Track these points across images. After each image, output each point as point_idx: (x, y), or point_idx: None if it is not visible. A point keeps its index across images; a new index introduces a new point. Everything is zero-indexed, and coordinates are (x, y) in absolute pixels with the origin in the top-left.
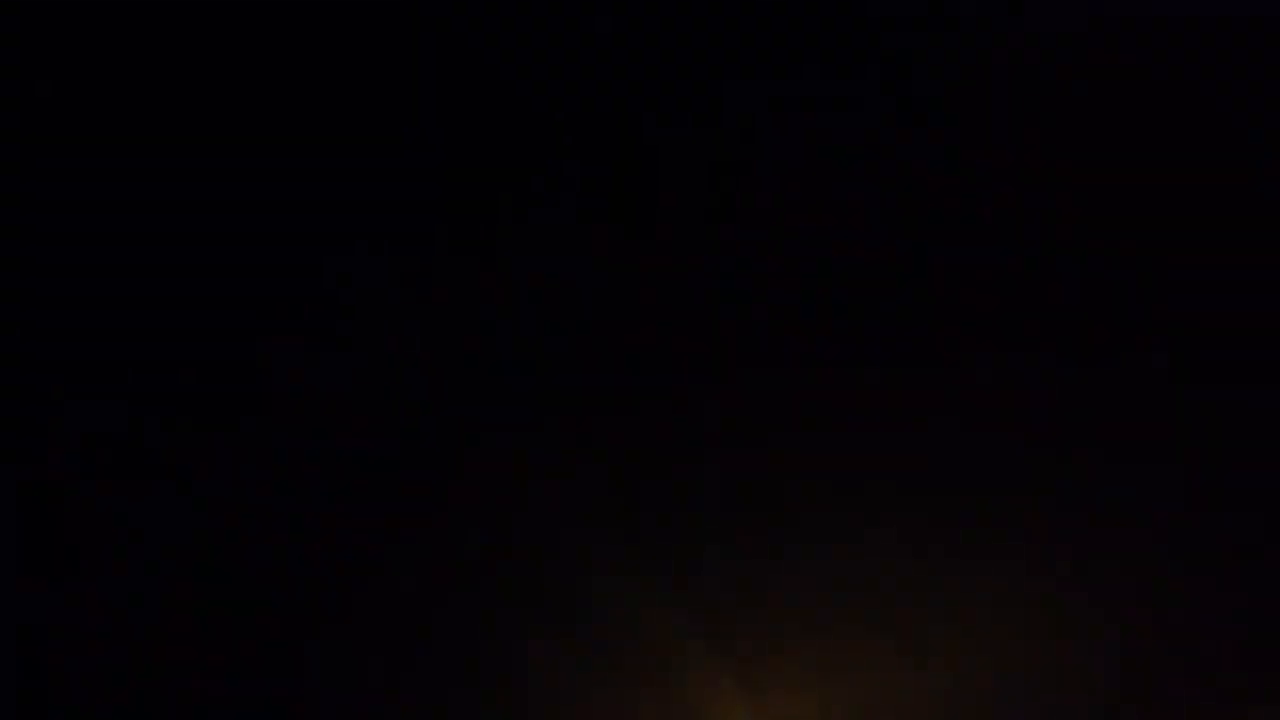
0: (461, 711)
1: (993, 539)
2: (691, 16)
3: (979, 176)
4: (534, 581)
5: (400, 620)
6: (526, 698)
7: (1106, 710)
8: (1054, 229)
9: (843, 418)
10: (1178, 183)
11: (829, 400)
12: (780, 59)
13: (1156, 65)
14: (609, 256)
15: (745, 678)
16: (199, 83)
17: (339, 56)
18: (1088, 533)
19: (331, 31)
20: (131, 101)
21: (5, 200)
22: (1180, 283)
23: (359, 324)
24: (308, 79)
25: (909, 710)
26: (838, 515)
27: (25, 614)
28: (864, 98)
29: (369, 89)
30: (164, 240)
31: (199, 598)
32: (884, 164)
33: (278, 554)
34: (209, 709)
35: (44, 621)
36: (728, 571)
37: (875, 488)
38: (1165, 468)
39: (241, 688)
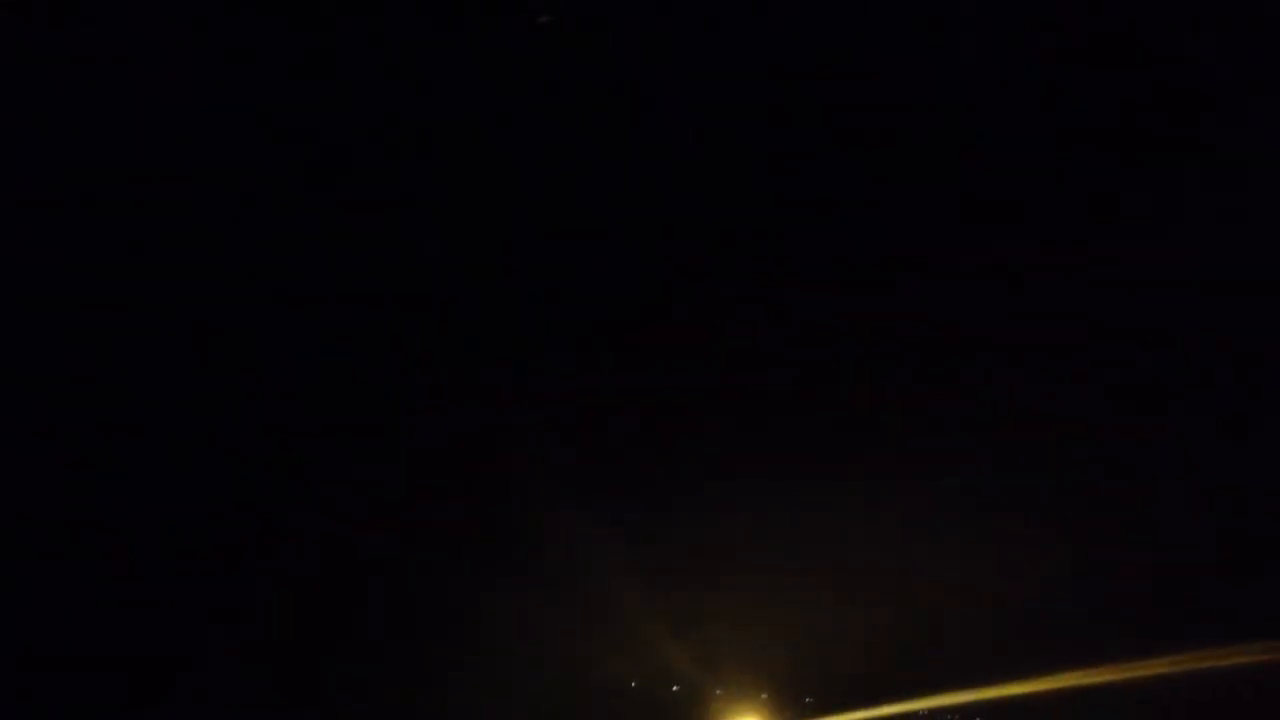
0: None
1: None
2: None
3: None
4: (500, 532)
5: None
6: (492, 636)
7: (1038, 639)
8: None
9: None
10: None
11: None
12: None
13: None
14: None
15: (689, 616)
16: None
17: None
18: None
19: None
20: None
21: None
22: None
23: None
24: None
25: (843, 645)
26: (776, 473)
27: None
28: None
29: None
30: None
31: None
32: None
33: (290, 522)
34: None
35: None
36: (677, 524)
37: (822, 444)
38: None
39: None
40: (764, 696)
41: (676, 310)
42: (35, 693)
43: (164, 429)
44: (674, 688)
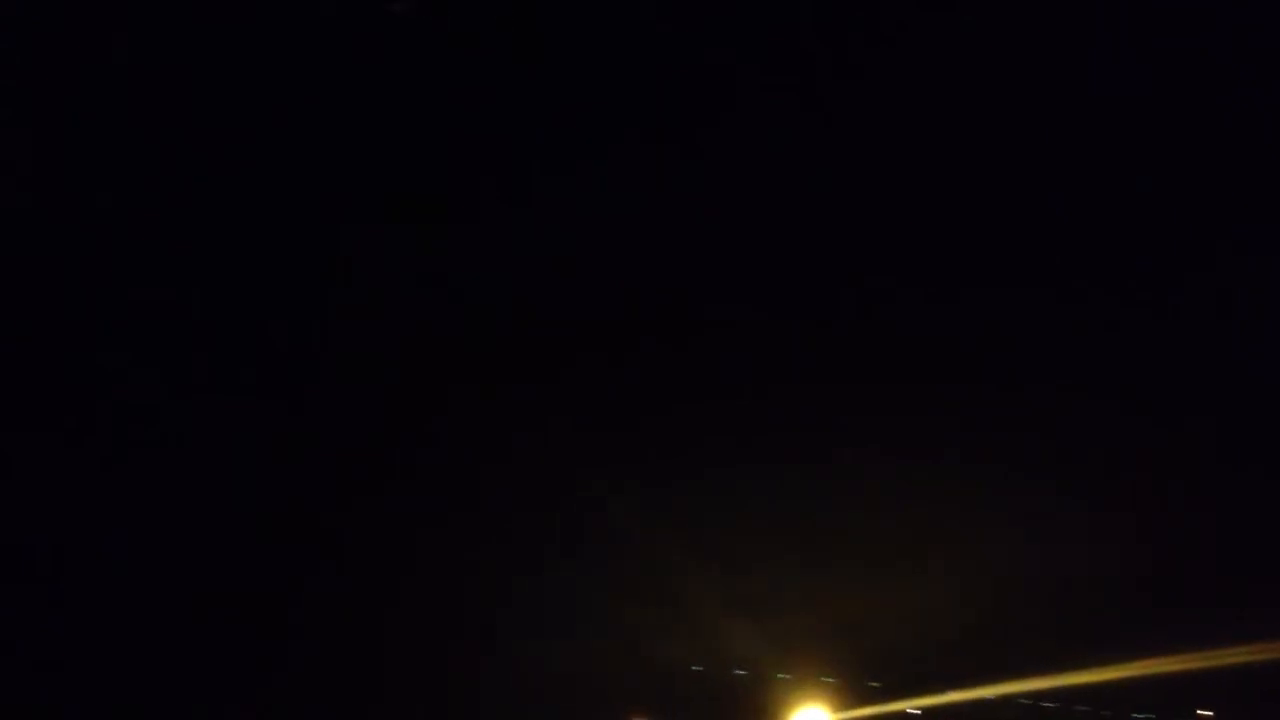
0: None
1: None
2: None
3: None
4: (547, 505)
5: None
6: (556, 618)
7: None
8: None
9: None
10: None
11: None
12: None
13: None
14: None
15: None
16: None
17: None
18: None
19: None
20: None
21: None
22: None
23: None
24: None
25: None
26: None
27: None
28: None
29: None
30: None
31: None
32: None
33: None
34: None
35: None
36: (726, 497)
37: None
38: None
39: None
40: (828, 681)
41: (732, 292)
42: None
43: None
44: (737, 671)
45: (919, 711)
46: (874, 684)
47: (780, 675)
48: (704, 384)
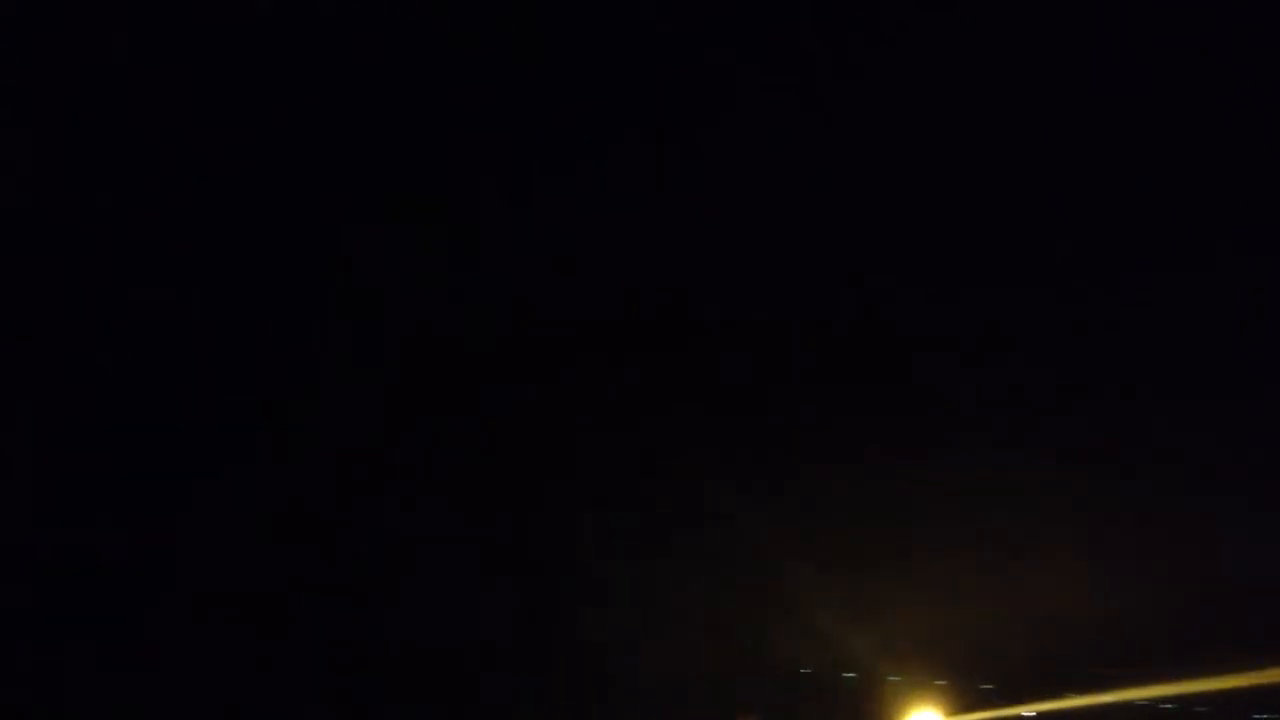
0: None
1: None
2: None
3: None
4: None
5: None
6: (669, 620)
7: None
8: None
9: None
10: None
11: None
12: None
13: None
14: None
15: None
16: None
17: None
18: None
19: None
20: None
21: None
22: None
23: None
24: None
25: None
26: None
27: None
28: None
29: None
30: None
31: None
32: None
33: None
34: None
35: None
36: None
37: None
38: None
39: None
40: (940, 684)
41: (851, 293)
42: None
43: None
44: (848, 674)
45: (1034, 714)
46: (986, 687)
47: (891, 678)
48: (823, 387)
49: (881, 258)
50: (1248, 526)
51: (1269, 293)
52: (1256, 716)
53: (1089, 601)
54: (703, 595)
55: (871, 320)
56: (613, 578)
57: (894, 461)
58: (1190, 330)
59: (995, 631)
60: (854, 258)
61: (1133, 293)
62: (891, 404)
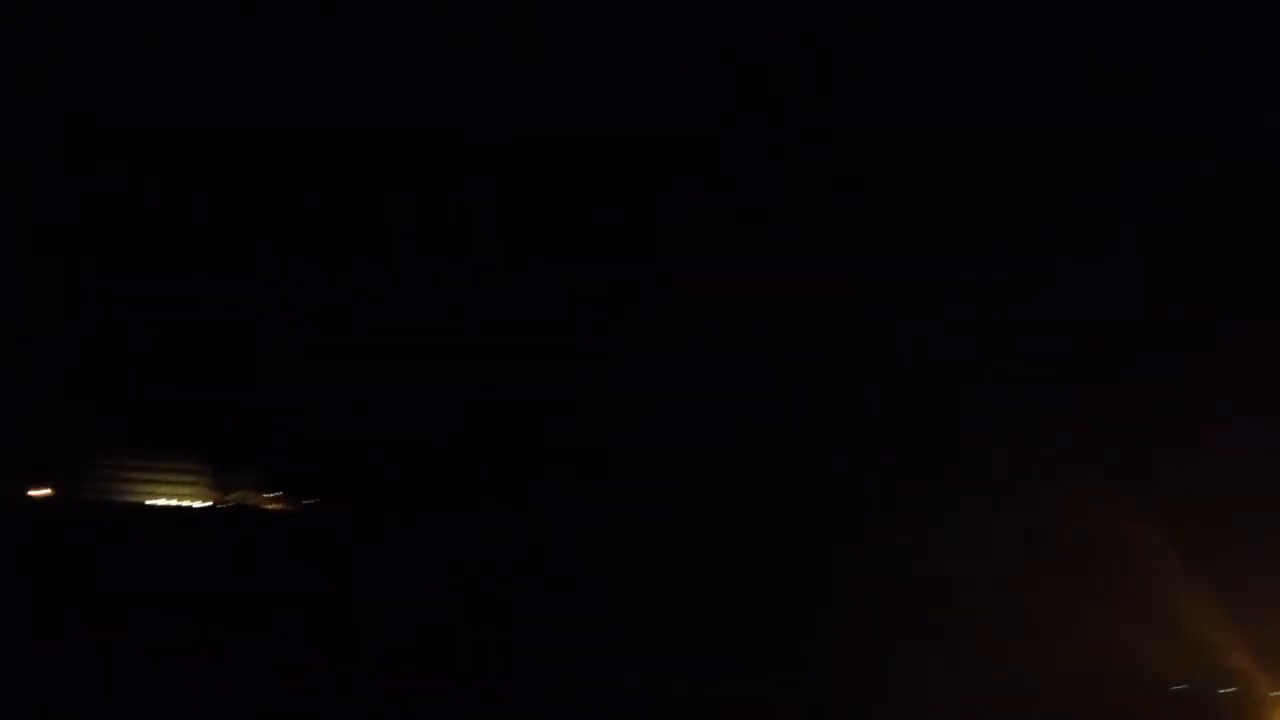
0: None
1: None
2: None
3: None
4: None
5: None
6: (1041, 631)
7: None
8: None
9: None
10: None
11: None
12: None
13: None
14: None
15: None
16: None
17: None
18: None
19: None
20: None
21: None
22: None
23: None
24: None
25: None
26: None
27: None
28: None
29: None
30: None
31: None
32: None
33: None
34: None
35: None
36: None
37: None
38: None
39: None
40: None
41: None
42: None
43: None
44: (1225, 689)
45: None
46: None
47: (1275, 694)
48: (1190, 396)
49: None
50: None
51: None
52: None
53: None
54: (1065, 611)
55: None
56: (980, 584)
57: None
58: None
59: None
60: None
61: None
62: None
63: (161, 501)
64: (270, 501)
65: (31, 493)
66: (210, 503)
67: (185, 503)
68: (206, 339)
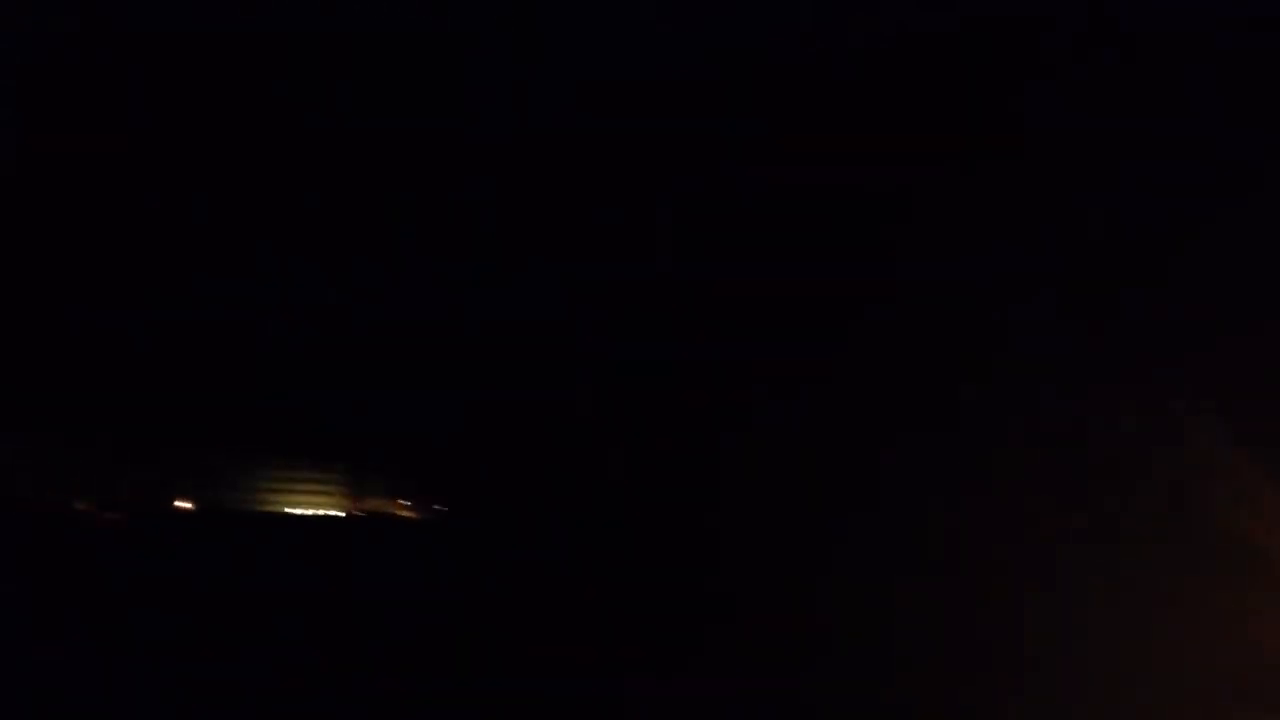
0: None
1: None
2: None
3: None
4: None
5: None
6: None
7: None
8: None
9: None
10: None
11: None
12: None
13: None
14: None
15: None
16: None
17: None
18: None
19: None
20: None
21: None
22: None
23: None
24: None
25: None
26: None
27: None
28: None
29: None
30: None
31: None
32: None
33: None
34: None
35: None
36: None
37: None
38: None
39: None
40: None
41: None
42: None
43: None
44: None
45: None
46: None
47: None
48: None
49: None
50: None
51: None
52: None
53: None
54: (1199, 583)
55: None
56: (1109, 571)
57: None
58: None
59: None
60: None
61: None
62: None
63: (300, 511)
64: (405, 509)
65: (178, 503)
66: (346, 511)
67: (323, 511)
68: (340, 343)
